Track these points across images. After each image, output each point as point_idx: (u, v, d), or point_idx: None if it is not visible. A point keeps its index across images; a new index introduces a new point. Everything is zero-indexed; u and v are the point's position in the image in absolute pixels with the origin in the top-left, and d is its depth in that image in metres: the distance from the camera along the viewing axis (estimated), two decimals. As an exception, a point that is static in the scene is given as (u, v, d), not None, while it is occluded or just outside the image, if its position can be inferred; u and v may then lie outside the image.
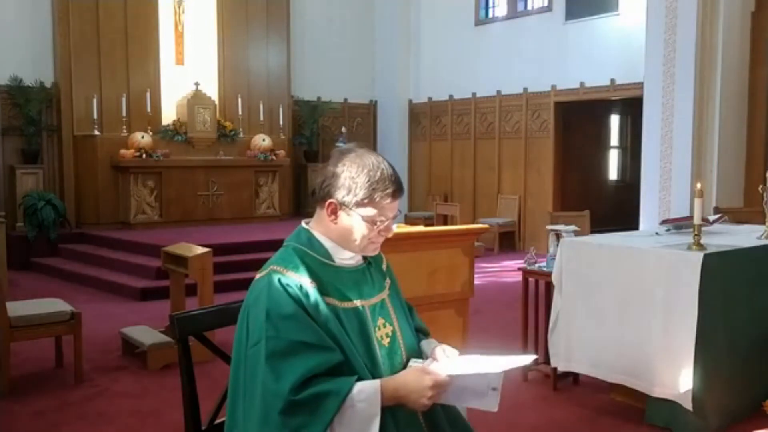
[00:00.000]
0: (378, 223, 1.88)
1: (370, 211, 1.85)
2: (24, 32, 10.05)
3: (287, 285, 1.79)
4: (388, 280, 2.07)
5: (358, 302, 1.90)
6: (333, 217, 1.87)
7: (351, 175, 1.84)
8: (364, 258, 2.00)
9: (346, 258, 1.93)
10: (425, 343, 2.09)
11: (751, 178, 7.64)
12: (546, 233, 4.99)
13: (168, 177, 10.45)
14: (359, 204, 1.84)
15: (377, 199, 1.85)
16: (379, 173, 1.86)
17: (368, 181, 1.84)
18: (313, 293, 1.80)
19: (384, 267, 2.09)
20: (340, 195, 1.85)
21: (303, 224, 1.96)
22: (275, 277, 1.81)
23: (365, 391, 1.73)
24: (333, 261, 1.90)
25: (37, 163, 10.00)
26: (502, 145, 11.76)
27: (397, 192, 1.87)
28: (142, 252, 8.61)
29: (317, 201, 1.91)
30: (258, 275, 1.88)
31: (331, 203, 1.86)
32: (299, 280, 1.81)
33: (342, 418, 1.70)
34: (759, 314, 4.03)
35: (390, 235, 1.92)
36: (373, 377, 1.81)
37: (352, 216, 1.86)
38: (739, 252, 3.95)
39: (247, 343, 1.80)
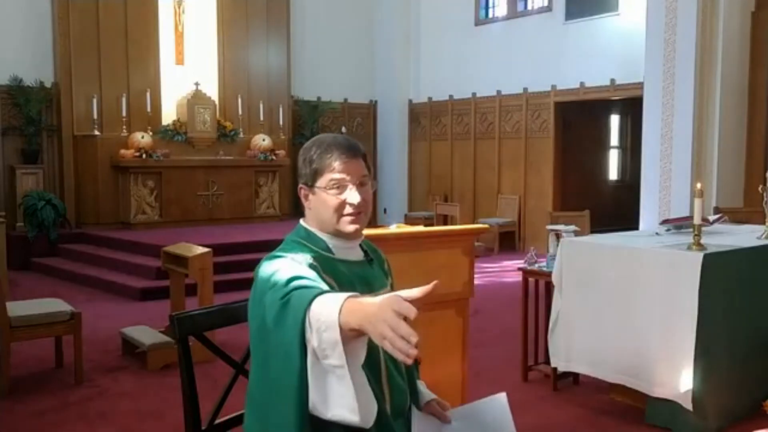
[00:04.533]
0: (338, 189, 1.85)
1: (325, 178, 1.85)
2: (24, 32, 10.06)
3: (292, 258, 1.80)
4: (390, 279, 2.07)
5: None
6: (307, 202, 1.92)
7: (303, 158, 1.90)
8: (366, 254, 2.01)
9: (345, 249, 1.93)
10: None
11: (751, 178, 7.64)
12: (546, 233, 4.99)
13: (168, 177, 10.45)
14: (315, 177, 1.87)
15: (327, 165, 1.85)
16: (326, 143, 1.88)
17: (315, 152, 1.87)
18: (317, 270, 1.80)
19: (386, 267, 2.10)
20: (303, 177, 1.90)
21: (301, 221, 1.98)
22: (278, 256, 1.82)
23: (330, 295, 1.55)
24: (333, 254, 1.91)
25: (37, 163, 10.00)
26: (502, 145, 11.76)
27: (342, 153, 1.85)
28: (142, 252, 8.61)
29: None
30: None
31: (300, 188, 1.92)
32: (302, 257, 1.81)
33: (312, 319, 1.51)
34: (759, 314, 4.03)
35: (356, 202, 1.85)
36: (370, 366, 1.74)
37: (316, 191, 1.88)
38: (739, 252, 3.95)
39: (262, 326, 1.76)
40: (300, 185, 1.91)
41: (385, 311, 1.35)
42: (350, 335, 1.46)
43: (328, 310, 1.47)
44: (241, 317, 2.19)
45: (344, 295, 1.50)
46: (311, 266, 1.78)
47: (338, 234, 1.90)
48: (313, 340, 1.50)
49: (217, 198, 10.92)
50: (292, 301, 1.58)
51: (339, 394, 1.53)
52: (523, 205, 11.38)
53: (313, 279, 1.68)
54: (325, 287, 1.67)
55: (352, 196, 1.85)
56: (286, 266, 1.73)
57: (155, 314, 6.34)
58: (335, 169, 1.84)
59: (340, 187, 1.85)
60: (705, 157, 7.62)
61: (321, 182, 1.85)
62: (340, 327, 1.44)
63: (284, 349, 1.58)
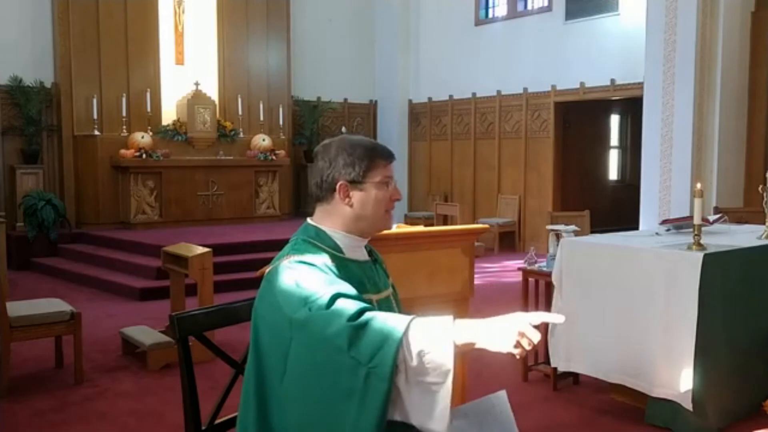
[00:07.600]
0: (387, 186, 1.92)
1: (378, 175, 1.90)
2: (24, 32, 10.05)
3: (310, 263, 1.79)
4: (391, 280, 2.08)
5: (369, 296, 1.90)
6: (347, 199, 1.89)
7: (347, 153, 1.90)
8: (370, 254, 2.02)
9: (355, 249, 1.94)
10: None
11: (751, 178, 7.65)
12: (546, 233, 4.99)
13: (168, 177, 10.45)
14: (366, 173, 1.89)
15: (378, 163, 1.91)
16: (368, 142, 1.95)
17: (365, 151, 1.90)
18: (335, 270, 1.80)
19: (384, 266, 2.10)
20: (347, 175, 1.88)
21: (308, 220, 1.97)
22: (293, 259, 1.80)
23: (429, 321, 1.68)
24: (343, 254, 1.90)
25: (37, 163, 9.99)
26: (502, 145, 11.76)
27: (386, 152, 1.95)
28: (142, 252, 8.61)
29: (319, 199, 1.92)
30: (267, 269, 1.86)
31: (342, 186, 1.89)
32: (321, 259, 1.82)
33: (416, 337, 1.63)
34: (759, 314, 4.03)
35: (400, 196, 1.97)
36: None
37: (365, 187, 1.89)
38: (739, 252, 3.95)
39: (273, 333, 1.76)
40: (341, 182, 1.88)
41: (521, 325, 1.63)
42: (457, 352, 1.64)
43: (432, 335, 1.62)
44: (241, 317, 2.19)
45: (445, 318, 1.66)
46: (330, 269, 1.79)
47: (372, 233, 1.96)
48: (411, 362, 1.62)
49: (217, 198, 10.92)
50: (373, 325, 1.64)
51: (424, 404, 1.64)
52: (523, 205, 11.38)
53: (353, 294, 1.74)
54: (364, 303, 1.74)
55: (397, 191, 1.95)
56: (316, 278, 1.75)
57: (155, 314, 6.34)
58: (385, 166, 1.92)
59: (389, 183, 1.92)
60: (705, 157, 7.62)
61: (374, 177, 1.90)
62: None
63: (365, 369, 1.63)
